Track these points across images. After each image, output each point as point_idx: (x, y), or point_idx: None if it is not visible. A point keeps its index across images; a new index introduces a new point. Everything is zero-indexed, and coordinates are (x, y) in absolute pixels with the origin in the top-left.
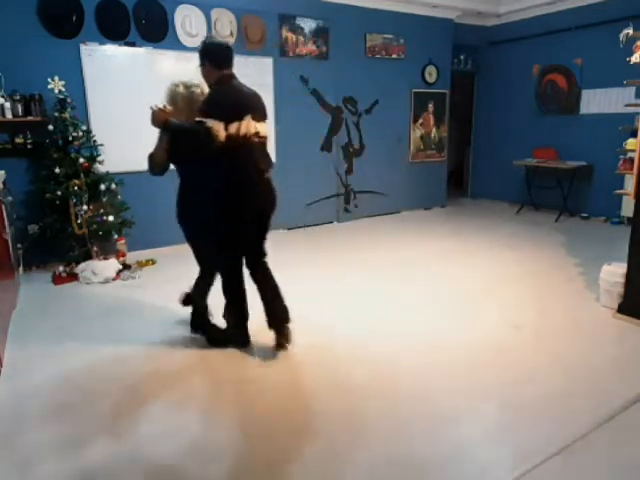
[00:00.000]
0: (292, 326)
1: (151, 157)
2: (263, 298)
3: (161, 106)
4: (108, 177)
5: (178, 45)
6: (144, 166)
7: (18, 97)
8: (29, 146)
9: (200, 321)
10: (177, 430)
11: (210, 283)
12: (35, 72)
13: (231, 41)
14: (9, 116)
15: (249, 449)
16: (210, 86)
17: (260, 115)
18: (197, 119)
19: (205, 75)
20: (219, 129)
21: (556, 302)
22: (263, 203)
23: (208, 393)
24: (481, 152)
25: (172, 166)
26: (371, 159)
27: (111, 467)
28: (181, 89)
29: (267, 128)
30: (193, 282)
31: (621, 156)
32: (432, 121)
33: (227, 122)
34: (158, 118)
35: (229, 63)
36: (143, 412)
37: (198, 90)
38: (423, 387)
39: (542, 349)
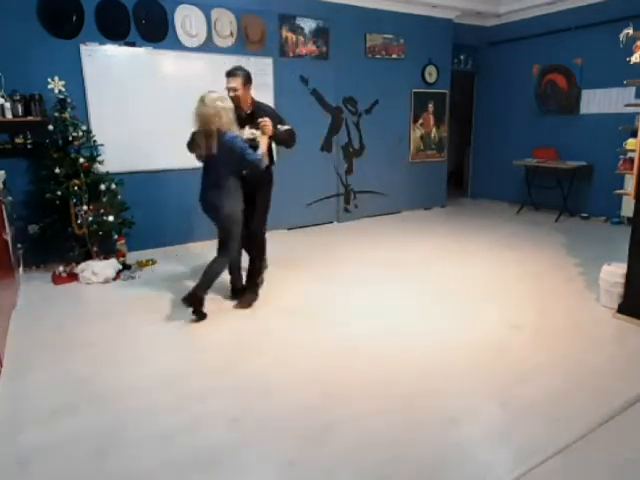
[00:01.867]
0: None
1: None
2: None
3: (267, 120)
4: (108, 177)
5: (178, 45)
6: (144, 166)
7: (18, 97)
8: (29, 146)
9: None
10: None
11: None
12: (35, 72)
13: (231, 41)
14: (9, 116)
15: None
16: (245, 102)
17: None
18: (284, 126)
19: (243, 93)
20: None
21: (556, 302)
22: None
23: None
24: (481, 152)
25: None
26: (371, 159)
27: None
28: (227, 103)
29: None
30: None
31: (621, 156)
32: (432, 121)
33: None
34: (269, 129)
35: None
36: (144, 410)
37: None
38: (423, 387)
39: (542, 349)
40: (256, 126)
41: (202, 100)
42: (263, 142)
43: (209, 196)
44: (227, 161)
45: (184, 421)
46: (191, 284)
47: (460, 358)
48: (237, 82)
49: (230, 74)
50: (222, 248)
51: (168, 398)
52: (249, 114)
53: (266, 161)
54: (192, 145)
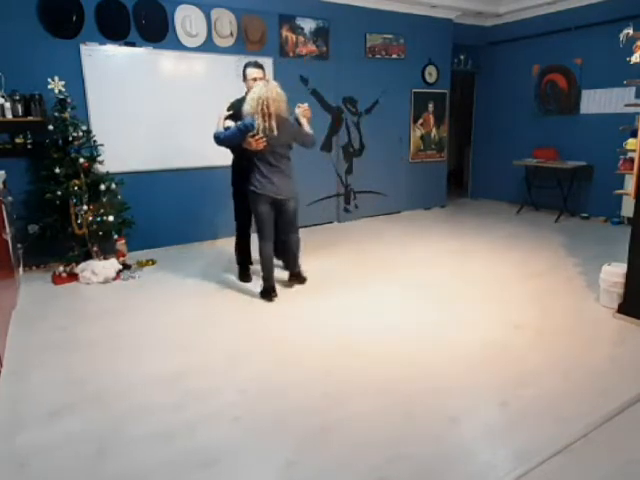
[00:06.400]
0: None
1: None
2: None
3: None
4: (108, 177)
5: (178, 45)
6: (144, 166)
7: (18, 97)
8: (29, 146)
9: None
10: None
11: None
12: (35, 72)
13: (231, 41)
14: (9, 116)
15: None
16: None
17: None
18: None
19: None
20: None
21: (556, 302)
22: None
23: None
24: (481, 152)
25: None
26: (371, 159)
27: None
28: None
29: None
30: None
31: (621, 156)
32: (432, 121)
33: None
34: (309, 112)
35: None
36: (144, 410)
37: None
38: (423, 387)
39: (542, 349)
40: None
41: (265, 85)
42: (305, 123)
43: (275, 181)
44: (287, 143)
45: (184, 420)
46: (191, 284)
47: (460, 358)
48: (262, 74)
49: (257, 65)
50: (289, 228)
51: (168, 398)
52: None
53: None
54: (239, 135)
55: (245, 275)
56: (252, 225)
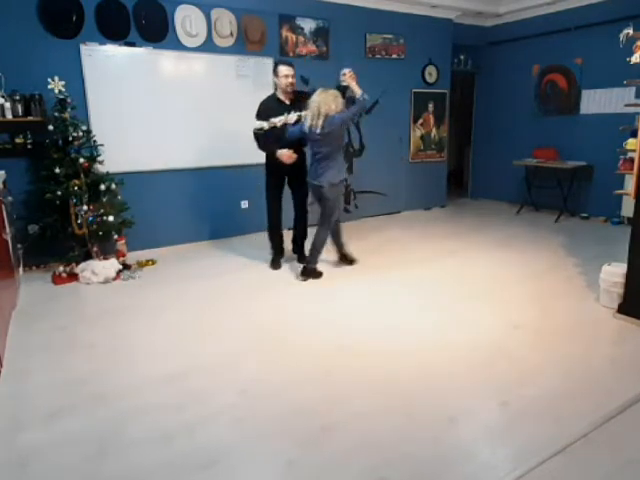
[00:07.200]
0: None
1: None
2: None
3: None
4: (108, 177)
5: (178, 45)
6: (144, 166)
7: (18, 97)
8: (29, 146)
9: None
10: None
11: None
12: (35, 72)
13: (231, 41)
14: (9, 116)
15: None
16: (293, 90)
17: None
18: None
19: (294, 82)
20: None
21: (556, 302)
22: None
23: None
24: (481, 152)
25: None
26: (371, 159)
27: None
28: (339, 96)
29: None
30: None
31: (621, 156)
32: (432, 121)
33: None
34: (353, 77)
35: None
36: (144, 410)
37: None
38: (423, 387)
39: (542, 349)
40: (299, 110)
41: (323, 92)
42: (354, 85)
43: (318, 172)
44: (335, 137)
45: (184, 421)
46: (190, 284)
47: (460, 358)
48: (292, 71)
49: (288, 63)
50: (322, 219)
51: (168, 398)
52: (291, 103)
53: (367, 96)
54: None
55: (276, 262)
56: (282, 223)
